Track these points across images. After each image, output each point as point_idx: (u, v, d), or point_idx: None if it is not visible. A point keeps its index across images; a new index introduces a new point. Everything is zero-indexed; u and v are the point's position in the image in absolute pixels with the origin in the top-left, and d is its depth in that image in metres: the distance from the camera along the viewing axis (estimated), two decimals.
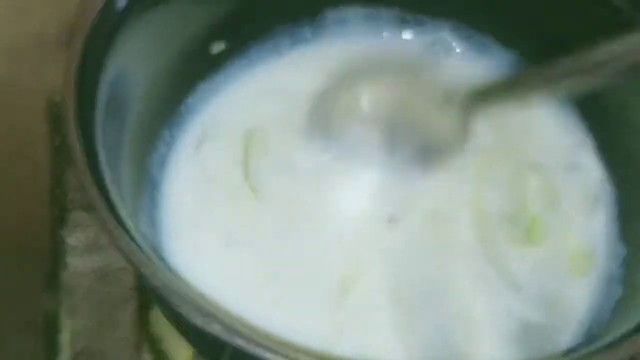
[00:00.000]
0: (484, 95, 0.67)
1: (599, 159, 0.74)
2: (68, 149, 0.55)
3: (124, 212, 0.55)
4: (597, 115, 0.74)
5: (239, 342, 0.50)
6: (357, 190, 0.71)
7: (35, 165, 0.77)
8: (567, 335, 0.67)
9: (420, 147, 0.70)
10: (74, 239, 0.73)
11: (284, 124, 0.73)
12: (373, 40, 0.79)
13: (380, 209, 0.70)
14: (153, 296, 0.69)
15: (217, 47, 0.74)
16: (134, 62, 0.65)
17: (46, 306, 0.71)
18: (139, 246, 0.53)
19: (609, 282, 0.69)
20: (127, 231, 0.54)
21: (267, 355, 0.49)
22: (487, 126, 0.72)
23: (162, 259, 0.65)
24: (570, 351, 0.64)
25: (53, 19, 0.83)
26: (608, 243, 0.71)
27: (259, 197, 0.70)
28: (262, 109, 0.74)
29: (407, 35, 0.79)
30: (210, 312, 0.50)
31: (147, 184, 0.70)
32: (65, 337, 0.70)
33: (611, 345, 0.53)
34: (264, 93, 0.75)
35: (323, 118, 0.72)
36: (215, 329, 0.50)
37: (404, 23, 0.79)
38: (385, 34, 0.79)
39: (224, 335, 0.50)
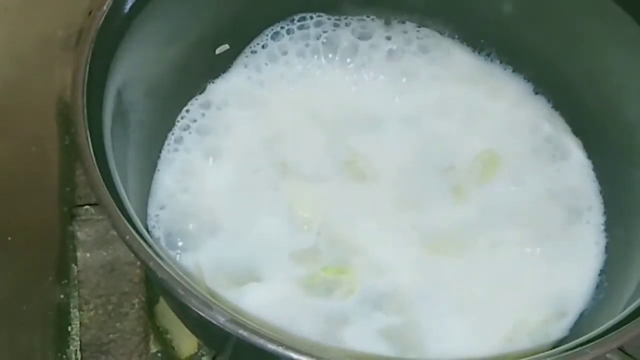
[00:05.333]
0: None
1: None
2: (77, 148, 0.55)
3: (131, 208, 0.55)
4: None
5: (243, 333, 0.50)
6: None
7: (45, 163, 0.77)
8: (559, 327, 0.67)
9: None
10: (83, 234, 0.73)
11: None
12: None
13: None
14: (160, 289, 0.70)
15: (222, 49, 0.75)
16: (140, 64, 0.65)
17: (57, 299, 0.71)
18: (146, 240, 0.53)
19: (598, 274, 0.69)
20: (135, 226, 0.54)
21: (270, 346, 0.49)
22: None
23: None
24: (560, 343, 0.65)
25: (59, 22, 0.83)
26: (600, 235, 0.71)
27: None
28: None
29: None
30: (215, 304, 0.51)
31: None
32: (74, 329, 0.70)
33: (600, 337, 0.53)
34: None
35: None
36: (220, 320, 0.50)
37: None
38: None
39: (229, 327, 0.50)
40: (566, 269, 0.69)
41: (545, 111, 0.76)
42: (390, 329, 0.65)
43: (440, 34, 0.78)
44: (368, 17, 0.78)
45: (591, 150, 0.74)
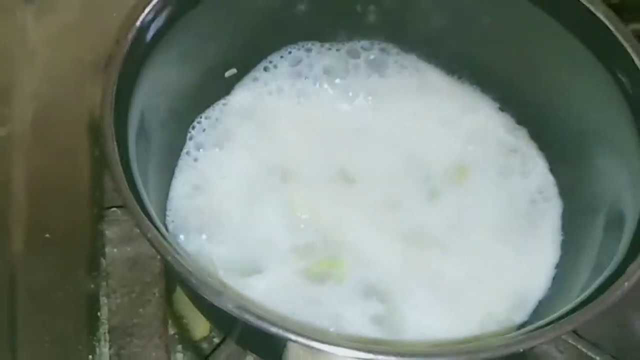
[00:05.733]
0: None
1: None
2: (106, 158, 0.56)
3: (152, 210, 0.56)
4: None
5: (248, 318, 0.50)
6: None
7: (78, 171, 0.77)
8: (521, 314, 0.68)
9: None
10: (110, 232, 0.72)
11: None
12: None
13: None
14: (177, 280, 0.70)
15: (230, 72, 0.75)
16: (159, 85, 0.65)
17: (88, 288, 0.72)
18: (165, 238, 0.54)
19: (555, 268, 0.70)
20: (155, 226, 0.54)
21: (272, 329, 0.50)
22: None
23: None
24: (522, 326, 0.65)
25: (90, 49, 0.83)
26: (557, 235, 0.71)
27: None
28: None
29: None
30: (225, 292, 0.51)
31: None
32: (103, 314, 0.70)
33: (556, 321, 0.53)
34: None
35: None
36: (228, 306, 0.51)
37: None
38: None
39: (236, 312, 0.50)
40: (527, 264, 0.69)
41: (510, 125, 0.76)
42: (377, 315, 0.66)
43: (418, 58, 0.78)
44: (358, 41, 0.78)
45: (552, 159, 0.74)
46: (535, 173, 0.74)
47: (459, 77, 0.78)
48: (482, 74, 0.77)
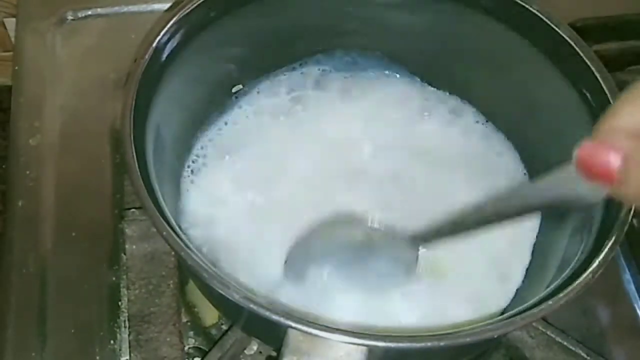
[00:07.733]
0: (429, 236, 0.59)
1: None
2: (126, 164, 0.56)
3: (167, 210, 0.56)
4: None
5: (253, 307, 0.51)
6: None
7: (100, 176, 0.77)
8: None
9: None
10: (130, 230, 0.73)
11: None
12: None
13: None
14: (189, 273, 0.70)
15: (236, 88, 0.75)
16: (173, 100, 0.65)
17: (110, 281, 0.71)
18: (178, 236, 0.54)
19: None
20: (170, 225, 0.54)
21: (273, 317, 0.50)
22: None
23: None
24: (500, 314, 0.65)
25: (112, 67, 0.84)
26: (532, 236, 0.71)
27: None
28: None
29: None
30: (232, 284, 0.51)
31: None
32: (123, 304, 0.70)
33: (528, 310, 0.53)
34: None
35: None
36: (235, 297, 0.51)
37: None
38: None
39: (242, 302, 0.51)
40: (508, 259, 0.69)
41: (492, 135, 0.75)
42: (366, 306, 0.66)
43: (405, 76, 0.78)
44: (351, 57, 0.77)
45: (528, 168, 0.74)
46: (515, 181, 0.73)
47: (438, 89, 0.78)
48: (465, 90, 0.77)
